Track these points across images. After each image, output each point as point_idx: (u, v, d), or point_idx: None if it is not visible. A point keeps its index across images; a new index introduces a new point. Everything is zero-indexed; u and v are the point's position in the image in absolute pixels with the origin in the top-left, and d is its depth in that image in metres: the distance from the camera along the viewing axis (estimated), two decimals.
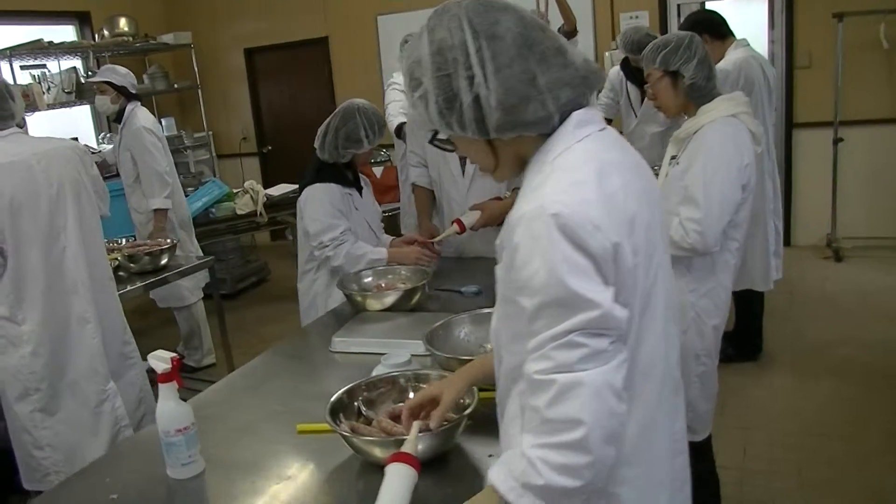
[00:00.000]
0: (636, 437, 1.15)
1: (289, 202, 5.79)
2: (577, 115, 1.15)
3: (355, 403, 1.68)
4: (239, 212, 5.36)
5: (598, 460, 1.02)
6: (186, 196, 5.52)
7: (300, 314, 3.01)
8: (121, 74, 4.21)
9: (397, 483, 1.28)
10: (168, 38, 6.81)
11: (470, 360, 1.84)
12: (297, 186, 5.89)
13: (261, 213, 5.39)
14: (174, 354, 1.56)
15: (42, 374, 2.52)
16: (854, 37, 5.41)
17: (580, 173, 1.09)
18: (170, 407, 1.57)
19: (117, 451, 1.78)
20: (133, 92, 4.25)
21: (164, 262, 3.52)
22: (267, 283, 6.64)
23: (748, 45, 3.77)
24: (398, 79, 5.02)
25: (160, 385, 1.56)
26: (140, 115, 4.23)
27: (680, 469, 1.30)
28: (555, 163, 1.12)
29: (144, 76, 6.81)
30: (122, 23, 6.44)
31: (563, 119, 1.15)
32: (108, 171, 4.74)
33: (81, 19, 6.77)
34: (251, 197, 5.39)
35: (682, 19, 6.29)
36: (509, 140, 1.17)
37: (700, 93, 2.35)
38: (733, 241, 2.35)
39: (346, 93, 7.38)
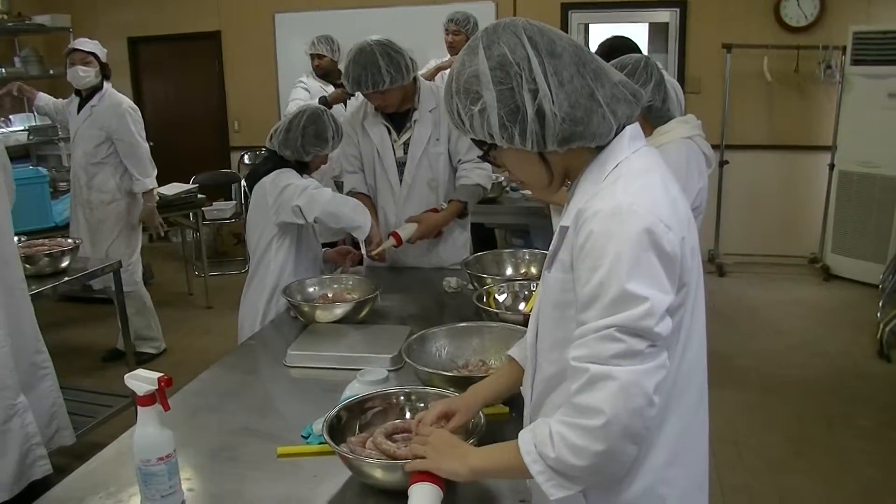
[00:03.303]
0: (678, 438, 1.20)
1: (182, 202, 5.49)
2: (630, 129, 1.21)
3: (353, 424, 1.58)
4: None
5: (612, 451, 1.07)
6: (65, 195, 5.12)
7: (238, 320, 2.83)
8: (102, 51, 4.16)
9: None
10: (44, 19, 6.25)
11: (450, 375, 1.82)
12: (191, 186, 5.67)
13: (157, 228, 5.04)
14: (161, 374, 1.40)
15: None
16: (740, 67, 5.80)
17: (647, 179, 1.16)
18: (151, 433, 1.40)
19: (69, 483, 1.59)
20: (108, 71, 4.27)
21: (65, 264, 3.21)
22: (150, 286, 6.22)
23: (663, 69, 3.91)
24: (306, 79, 4.91)
25: (140, 408, 1.40)
26: (120, 96, 4.23)
27: (707, 473, 1.34)
28: (618, 170, 1.17)
29: (16, 59, 6.26)
30: None
31: (616, 132, 1.20)
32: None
33: None
34: None
35: (582, 37, 6.53)
36: (563, 154, 1.19)
37: (656, 114, 2.41)
38: None
39: (238, 90, 7.13)
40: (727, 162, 5.91)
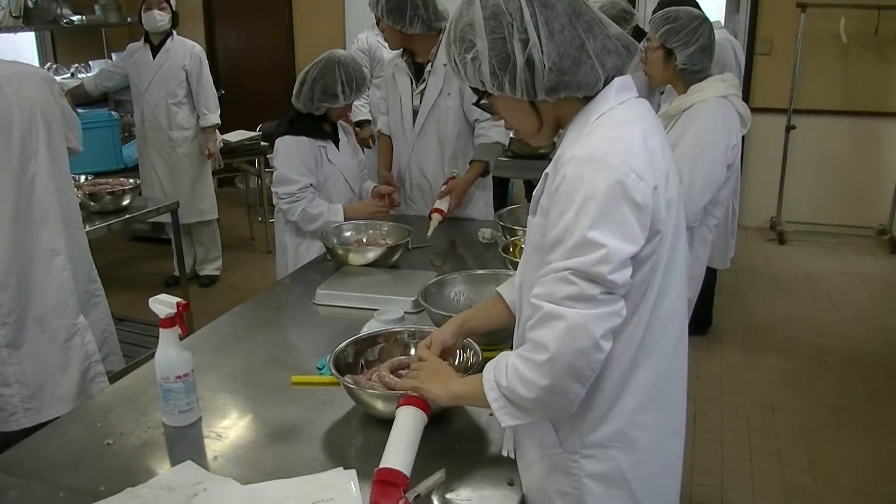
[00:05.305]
0: (653, 385, 1.24)
1: (245, 149, 5.67)
2: (618, 81, 1.23)
3: (360, 359, 1.68)
4: None
5: (556, 387, 1.12)
6: (135, 139, 5.36)
7: (275, 258, 2.98)
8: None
9: (408, 425, 1.32)
10: None
11: None
12: (254, 133, 5.84)
13: (217, 159, 5.24)
14: (179, 299, 1.52)
15: (9, 307, 2.40)
16: (815, 28, 5.56)
17: (626, 129, 1.17)
18: (171, 353, 1.53)
19: (103, 396, 1.74)
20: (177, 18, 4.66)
21: (126, 202, 3.40)
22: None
23: (722, 27, 3.83)
24: (365, 36, 4.95)
25: (162, 330, 1.52)
26: (189, 41, 4.67)
27: (685, 422, 1.39)
28: (600, 120, 1.19)
29: (96, 7, 6.45)
30: None
31: (605, 84, 1.22)
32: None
33: None
34: None
35: None
36: (552, 103, 1.22)
37: (691, 74, 2.39)
38: (713, 217, 2.42)
39: (306, 41, 7.23)
40: (794, 127, 5.70)
